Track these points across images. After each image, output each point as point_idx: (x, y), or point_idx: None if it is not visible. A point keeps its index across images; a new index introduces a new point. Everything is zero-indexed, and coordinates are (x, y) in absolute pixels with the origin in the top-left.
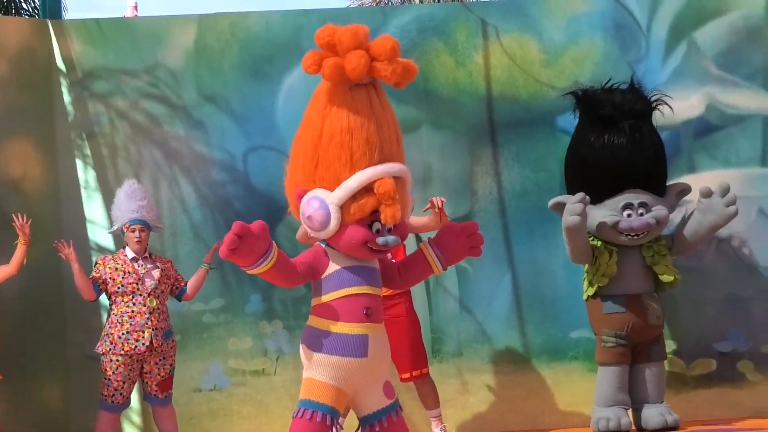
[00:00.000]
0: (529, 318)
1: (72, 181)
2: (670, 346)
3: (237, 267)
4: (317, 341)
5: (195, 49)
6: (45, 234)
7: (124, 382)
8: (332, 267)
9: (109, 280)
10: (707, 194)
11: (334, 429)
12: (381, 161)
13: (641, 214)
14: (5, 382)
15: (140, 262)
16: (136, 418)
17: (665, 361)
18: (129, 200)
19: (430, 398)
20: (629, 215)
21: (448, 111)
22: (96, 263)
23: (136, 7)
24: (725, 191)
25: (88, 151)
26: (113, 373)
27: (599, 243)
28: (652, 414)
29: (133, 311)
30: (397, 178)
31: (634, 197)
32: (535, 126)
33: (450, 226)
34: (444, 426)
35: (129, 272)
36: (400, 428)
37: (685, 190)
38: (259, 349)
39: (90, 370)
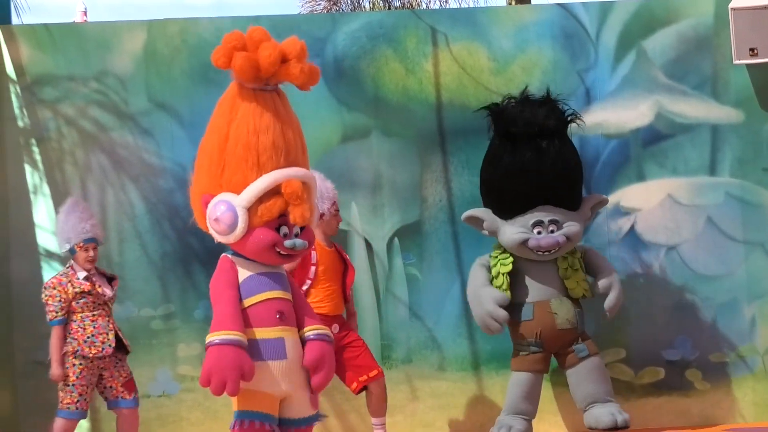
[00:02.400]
0: (478, 325)
1: (20, 186)
2: (618, 354)
3: (187, 273)
4: None
5: (144, 56)
6: None
7: (87, 387)
8: (242, 274)
9: (72, 302)
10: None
11: None
12: (287, 165)
13: (552, 231)
14: None
15: (92, 278)
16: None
17: (618, 368)
18: (80, 220)
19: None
20: (539, 232)
21: (398, 118)
22: (53, 288)
23: (85, 12)
24: (608, 288)
25: (37, 157)
26: (77, 378)
27: (497, 265)
28: (602, 413)
29: (95, 315)
30: (304, 183)
31: (544, 215)
32: (484, 134)
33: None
34: None
35: (88, 291)
36: None
37: (601, 202)
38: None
39: (39, 375)
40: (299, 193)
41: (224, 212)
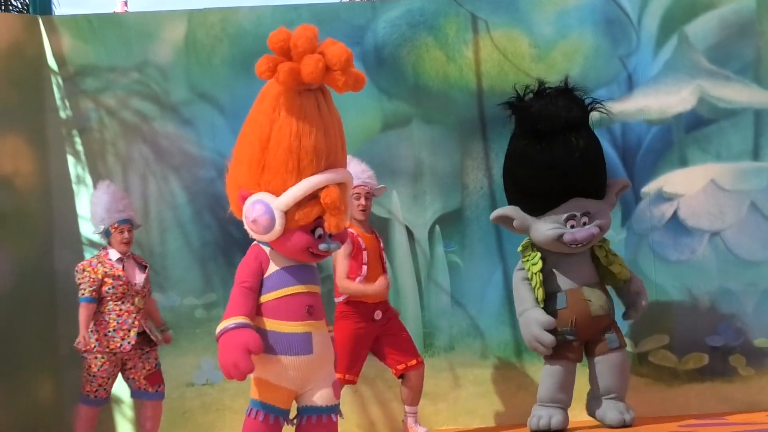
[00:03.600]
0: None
1: (63, 176)
2: (662, 340)
3: (229, 262)
4: (264, 341)
5: (185, 45)
6: (36, 230)
7: (108, 379)
8: (272, 267)
9: (103, 284)
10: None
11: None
12: (327, 168)
13: (584, 224)
14: None
15: (125, 262)
16: (129, 412)
17: (661, 355)
18: (114, 201)
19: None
20: (572, 226)
21: (439, 106)
22: (83, 270)
23: (126, 3)
24: (639, 293)
25: (79, 148)
26: (98, 369)
27: (529, 268)
28: (611, 410)
29: (121, 310)
30: (341, 184)
31: (576, 208)
32: None
33: None
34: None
35: (119, 276)
36: (333, 429)
37: (625, 186)
38: None
39: (82, 365)
40: (337, 203)
41: (262, 214)
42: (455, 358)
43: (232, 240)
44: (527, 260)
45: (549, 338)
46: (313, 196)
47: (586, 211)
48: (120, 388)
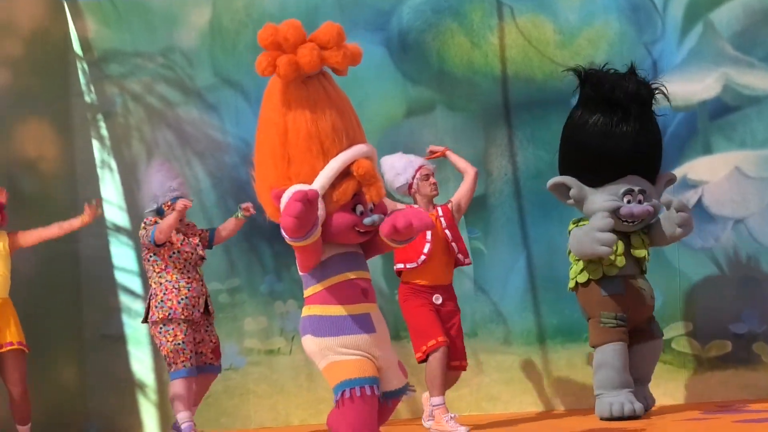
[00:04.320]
0: (544, 299)
1: (88, 161)
2: (686, 327)
3: (253, 248)
4: (326, 327)
5: (210, 31)
6: (61, 214)
7: (194, 344)
8: (324, 255)
9: (169, 244)
10: (666, 205)
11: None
12: (350, 145)
13: (640, 201)
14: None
15: (180, 234)
16: (153, 396)
17: (685, 342)
18: (167, 179)
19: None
20: (629, 201)
21: (463, 92)
22: (147, 224)
23: None
24: (680, 208)
25: (104, 132)
26: (185, 336)
27: None
28: (639, 395)
29: (189, 278)
30: (369, 158)
31: (635, 183)
32: (549, 107)
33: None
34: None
35: (172, 243)
36: (390, 412)
37: (672, 180)
38: (275, 329)
39: (107, 349)
40: (371, 172)
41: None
42: (478, 344)
43: (256, 225)
44: None
45: (610, 236)
46: (345, 174)
47: (643, 189)
48: (141, 369)
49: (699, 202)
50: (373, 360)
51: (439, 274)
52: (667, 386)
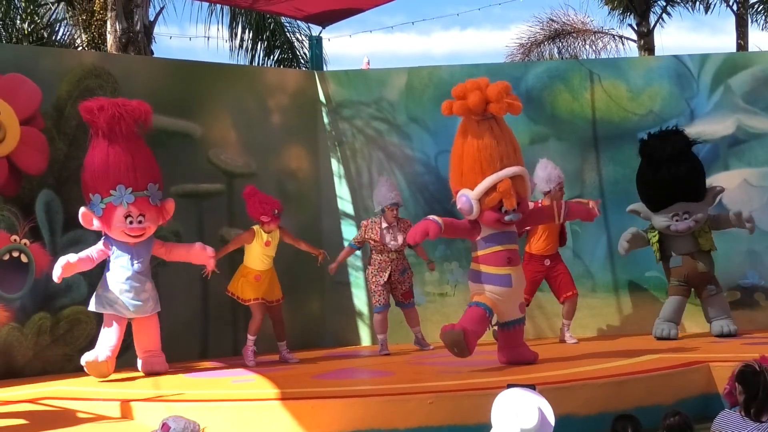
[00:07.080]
0: (618, 263)
1: (328, 172)
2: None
3: None
4: (480, 278)
5: (406, 89)
6: (311, 205)
7: (383, 293)
8: (483, 233)
9: (370, 240)
10: (737, 215)
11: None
12: (502, 167)
13: (685, 218)
14: (285, 300)
15: (390, 230)
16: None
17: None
18: (388, 190)
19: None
20: (677, 220)
21: (567, 129)
22: (362, 227)
23: (368, 63)
24: (747, 220)
25: (338, 154)
26: (376, 287)
27: (651, 239)
28: (716, 325)
29: (382, 259)
30: (517, 176)
31: (680, 208)
32: (623, 139)
33: (580, 203)
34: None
35: (376, 240)
36: (519, 335)
37: (719, 192)
38: (444, 280)
39: (339, 291)
40: (509, 190)
41: (464, 203)
42: None
43: (435, 212)
44: (652, 236)
45: (624, 245)
46: (494, 188)
47: (687, 211)
48: (359, 304)
49: (720, 201)
50: (498, 305)
51: (548, 245)
52: (698, 321)
